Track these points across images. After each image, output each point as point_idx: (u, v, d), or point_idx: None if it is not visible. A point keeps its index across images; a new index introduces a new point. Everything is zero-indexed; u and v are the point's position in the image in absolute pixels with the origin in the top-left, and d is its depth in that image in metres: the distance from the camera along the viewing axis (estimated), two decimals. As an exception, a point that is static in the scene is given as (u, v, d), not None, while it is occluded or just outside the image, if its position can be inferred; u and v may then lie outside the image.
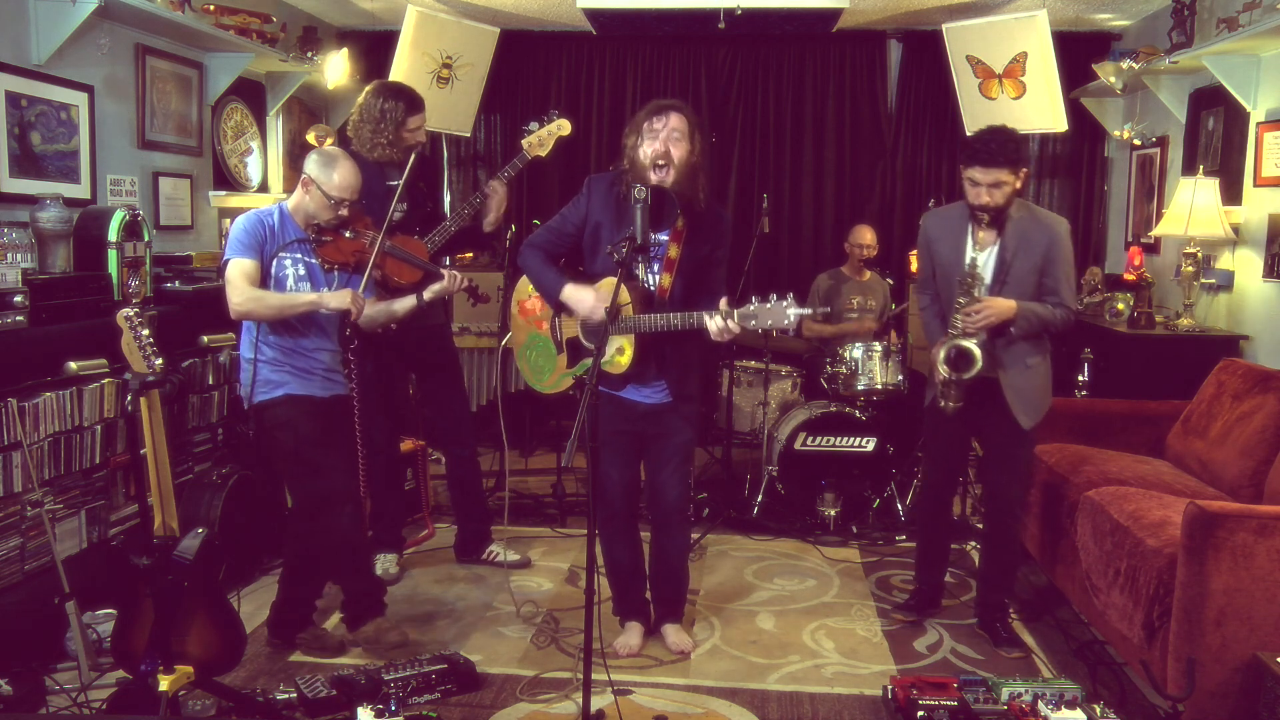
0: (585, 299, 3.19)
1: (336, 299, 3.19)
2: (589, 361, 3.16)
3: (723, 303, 3.00)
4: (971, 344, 3.34)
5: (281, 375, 3.24)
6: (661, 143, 3.09)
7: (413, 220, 3.91)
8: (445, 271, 3.48)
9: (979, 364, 3.33)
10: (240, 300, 3.12)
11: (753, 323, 2.92)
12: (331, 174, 3.21)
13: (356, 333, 3.94)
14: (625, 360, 3.18)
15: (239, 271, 3.14)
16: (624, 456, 3.38)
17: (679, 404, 3.34)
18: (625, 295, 3.06)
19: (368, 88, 3.96)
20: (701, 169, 3.17)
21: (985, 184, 3.27)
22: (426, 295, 3.44)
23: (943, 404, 3.45)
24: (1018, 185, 3.32)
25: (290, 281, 3.24)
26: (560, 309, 3.32)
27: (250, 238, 3.18)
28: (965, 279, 3.35)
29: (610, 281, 3.06)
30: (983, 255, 3.38)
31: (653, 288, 3.19)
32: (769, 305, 2.91)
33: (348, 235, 3.31)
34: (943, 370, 3.39)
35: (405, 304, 3.46)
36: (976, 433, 3.67)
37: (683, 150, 3.10)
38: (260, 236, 3.20)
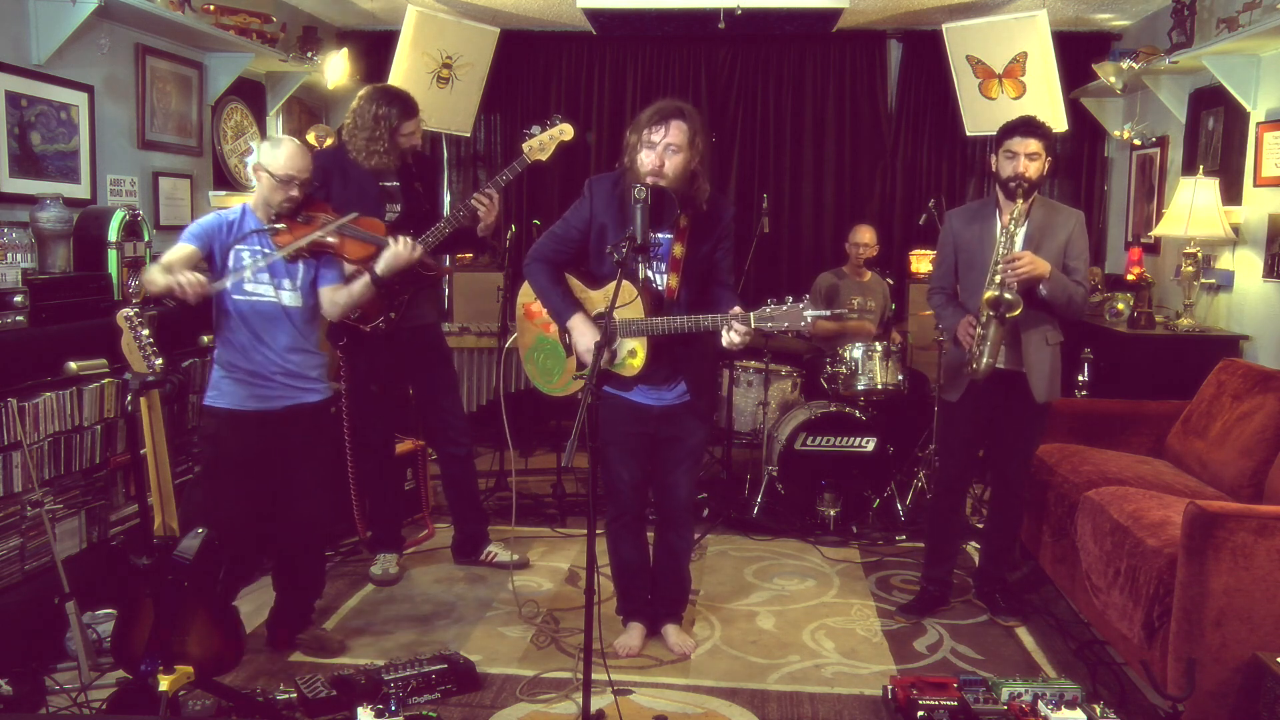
0: (584, 339, 3.15)
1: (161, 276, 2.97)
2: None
3: (736, 309, 2.97)
4: (1010, 294, 3.42)
5: (226, 382, 3.20)
6: (657, 157, 3.06)
7: (408, 221, 3.90)
8: (391, 239, 3.29)
9: (1019, 304, 3.41)
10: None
11: (769, 324, 2.92)
12: (277, 153, 3.16)
13: (345, 330, 3.92)
14: (638, 362, 3.16)
15: (172, 248, 3.13)
16: (635, 457, 3.36)
17: (697, 401, 3.33)
18: (632, 295, 3.05)
19: (361, 93, 3.91)
20: (701, 173, 3.15)
21: (1023, 154, 3.47)
22: (379, 268, 3.27)
23: (974, 368, 3.50)
24: (1047, 165, 3.52)
25: (249, 272, 3.19)
26: (566, 332, 3.26)
27: (201, 229, 3.17)
28: (1002, 246, 3.48)
29: (610, 289, 3.05)
30: (1011, 232, 3.52)
31: (661, 288, 3.19)
32: (784, 308, 2.91)
33: (300, 220, 3.25)
34: (986, 311, 3.42)
35: (361, 286, 3.29)
36: (989, 423, 3.70)
37: (677, 162, 3.07)
38: (212, 231, 3.18)
